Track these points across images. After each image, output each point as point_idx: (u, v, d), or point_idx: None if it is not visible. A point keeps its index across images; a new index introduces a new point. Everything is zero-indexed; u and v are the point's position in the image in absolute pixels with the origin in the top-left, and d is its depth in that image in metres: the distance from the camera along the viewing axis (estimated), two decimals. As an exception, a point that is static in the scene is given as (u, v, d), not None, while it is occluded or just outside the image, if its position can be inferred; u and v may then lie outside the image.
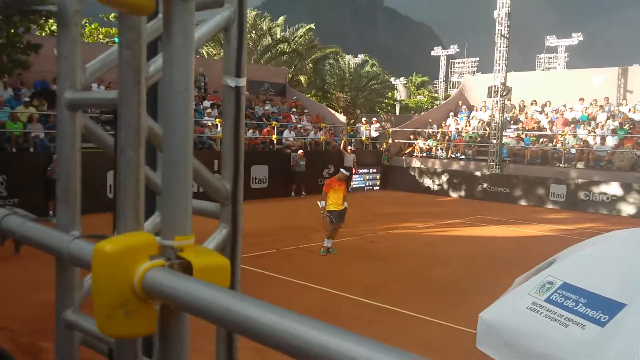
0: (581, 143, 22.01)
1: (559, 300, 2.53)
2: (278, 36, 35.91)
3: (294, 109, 26.18)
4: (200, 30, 1.45)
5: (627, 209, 19.22)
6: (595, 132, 22.58)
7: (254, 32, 33.85)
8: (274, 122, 22.85)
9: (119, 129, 1.32)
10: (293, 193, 21.26)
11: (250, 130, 21.90)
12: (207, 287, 0.96)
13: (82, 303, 1.59)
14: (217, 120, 20.15)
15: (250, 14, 35.15)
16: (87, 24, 34.75)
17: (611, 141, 21.60)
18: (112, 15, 30.62)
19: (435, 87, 71.71)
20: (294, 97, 28.03)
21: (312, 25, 37.87)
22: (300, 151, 21.40)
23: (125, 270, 1.04)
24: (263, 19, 35.29)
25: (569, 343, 2.30)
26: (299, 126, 24.16)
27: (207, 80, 24.09)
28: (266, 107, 24.69)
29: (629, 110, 23.47)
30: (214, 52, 33.06)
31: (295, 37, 36.63)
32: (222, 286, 1.02)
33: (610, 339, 2.21)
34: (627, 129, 21.88)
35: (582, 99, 24.99)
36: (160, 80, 1.36)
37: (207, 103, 22.21)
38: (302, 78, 35.54)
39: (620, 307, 2.31)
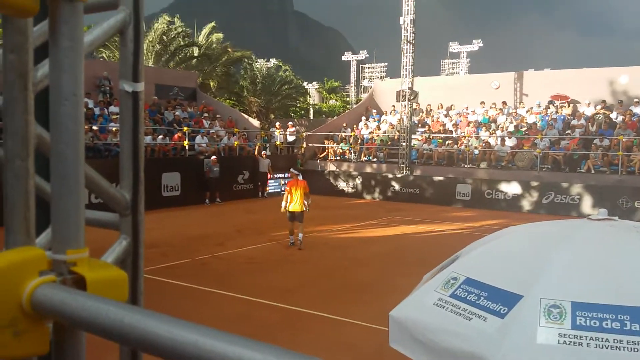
0: (483, 144, 23.23)
1: (463, 295, 2.65)
2: (186, 40, 35.18)
3: (205, 114, 25.75)
4: (93, 33, 1.39)
5: (526, 206, 20.51)
6: (495, 134, 23.91)
7: (164, 36, 32.94)
8: (185, 128, 22.32)
9: (4, 138, 1.24)
10: (207, 200, 20.89)
11: (160, 137, 21.29)
12: (100, 301, 0.92)
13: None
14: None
15: (159, 17, 34.24)
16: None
17: (510, 142, 22.96)
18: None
19: (347, 91, 73.20)
20: (204, 102, 27.55)
21: (214, 23, 37.41)
22: (213, 157, 21.07)
23: (13, 288, 0.98)
24: (172, 20, 34.40)
25: (472, 336, 2.41)
26: (211, 131, 23.78)
27: (113, 84, 23.11)
28: (177, 113, 24.08)
29: (526, 112, 25.08)
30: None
31: (208, 41, 36.10)
32: (118, 300, 0.98)
33: (509, 330, 2.34)
34: (524, 131, 23.36)
35: (482, 103, 26.43)
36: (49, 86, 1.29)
37: (113, 108, 21.26)
38: (212, 82, 35.06)
39: (518, 298, 2.46)
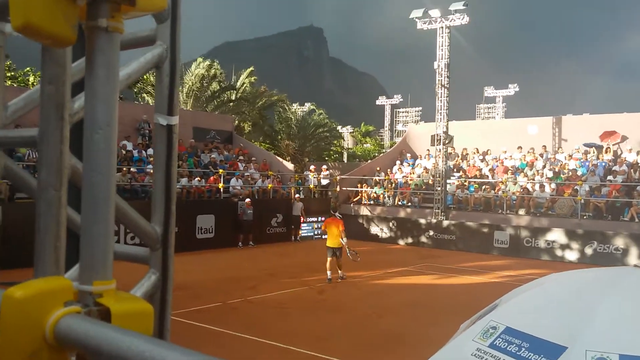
0: (521, 190, 22.79)
1: (503, 346, 2.51)
2: (224, 84, 36.03)
3: (241, 157, 26.10)
4: (130, 66, 1.41)
5: (568, 255, 19.84)
6: (534, 180, 23.46)
7: (203, 80, 33.86)
8: (221, 170, 22.64)
9: (39, 167, 1.24)
10: (240, 243, 20.91)
11: (197, 179, 21.61)
12: (124, 334, 0.88)
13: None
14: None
15: (198, 62, 35.28)
16: (30, 73, 34.05)
17: (549, 188, 22.47)
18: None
19: (381, 135, 73.44)
20: (241, 145, 27.97)
21: (252, 68, 38.30)
22: (247, 200, 21.21)
23: (37, 318, 0.95)
24: (210, 64, 35.34)
25: (514, 388, 2.28)
26: (246, 174, 24.03)
27: (152, 127, 23.65)
28: (212, 155, 24.50)
29: (565, 158, 24.61)
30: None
31: (243, 84, 36.92)
32: (144, 334, 0.94)
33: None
34: (564, 177, 22.87)
35: (520, 147, 26.06)
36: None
37: (151, 151, 21.72)
38: (246, 125, 35.67)
39: (562, 350, 2.32)
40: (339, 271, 14.17)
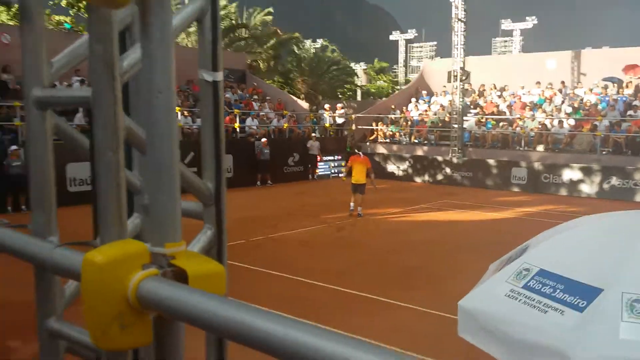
0: (540, 126, 22.50)
1: (537, 287, 2.56)
2: (235, 21, 35.22)
3: (255, 96, 25.91)
4: (172, 21, 1.38)
5: (586, 190, 19.78)
6: (552, 116, 23.11)
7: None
8: (236, 110, 22.55)
9: (94, 129, 1.25)
10: (259, 182, 21.13)
11: (212, 119, 21.52)
12: (207, 297, 0.91)
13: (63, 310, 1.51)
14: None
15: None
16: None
17: (568, 124, 22.15)
18: (64, 2, 29.52)
19: (395, 72, 72.17)
20: (254, 84, 27.69)
21: (271, 9, 37.39)
22: (264, 139, 21.24)
23: (118, 282, 0.98)
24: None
25: (549, 329, 2.33)
26: (261, 114, 23.94)
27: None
28: (227, 95, 24.33)
29: (584, 93, 24.10)
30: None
31: (255, 23, 36.13)
32: (218, 294, 0.97)
33: (590, 324, 2.25)
34: (583, 113, 22.47)
35: (538, 83, 25.53)
36: (138, 80, 1.28)
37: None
38: (261, 64, 35.13)
39: (597, 292, 2.35)
40: (358, 207, 14.59)
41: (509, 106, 25.05)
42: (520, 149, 22.29)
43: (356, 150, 16.48)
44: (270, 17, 37.69)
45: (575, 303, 2.36)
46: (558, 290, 2.47)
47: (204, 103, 1.48)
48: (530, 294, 2.55)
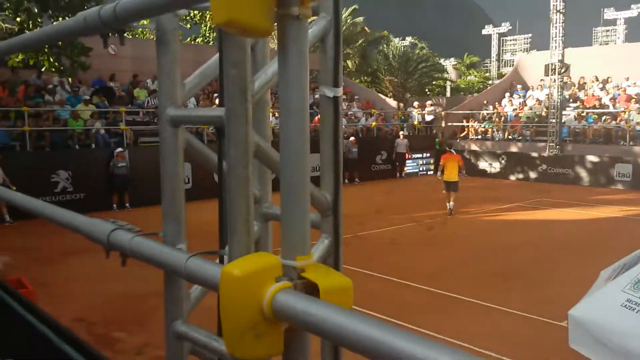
0: (646, 120, 21.02)
1: (657, 298, 2.42)
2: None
3: (343, 96, 26.04)
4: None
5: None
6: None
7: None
8: (325, 110, 22.76)
9: (227, 147, 1.33)
10: (346, 180, 21.25)
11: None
12: (341, 312, 0.96)
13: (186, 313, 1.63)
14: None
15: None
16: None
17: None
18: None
19: (487, 66, 69.87)
20: (343, 84, 27.81)
21: (356, 6, 37.37)
22: (352, 138, 21.34)
23: (254, 294, 1.05)
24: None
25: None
26: (349, 113, 24.06)
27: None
28: (316, 96, 24.62)
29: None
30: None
31: (346, 23, 36.30)
32: (347, 308, 1.02)
33: None
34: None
35: (645, 74, 23.86)
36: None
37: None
38: (350, 64, 35.21)
39: None
40: (450, 203, 14.71)
41: (612, 99, 23.59)
42: (625, 144, 20.92)
43: (447, 148, 16.37)
44: (360, 19, 37.73)
45: (703, 318, 2.21)
46: (682, 303, 2.32)
47: (324, 117, 1.55)
48: (650, 305, 2.41)
